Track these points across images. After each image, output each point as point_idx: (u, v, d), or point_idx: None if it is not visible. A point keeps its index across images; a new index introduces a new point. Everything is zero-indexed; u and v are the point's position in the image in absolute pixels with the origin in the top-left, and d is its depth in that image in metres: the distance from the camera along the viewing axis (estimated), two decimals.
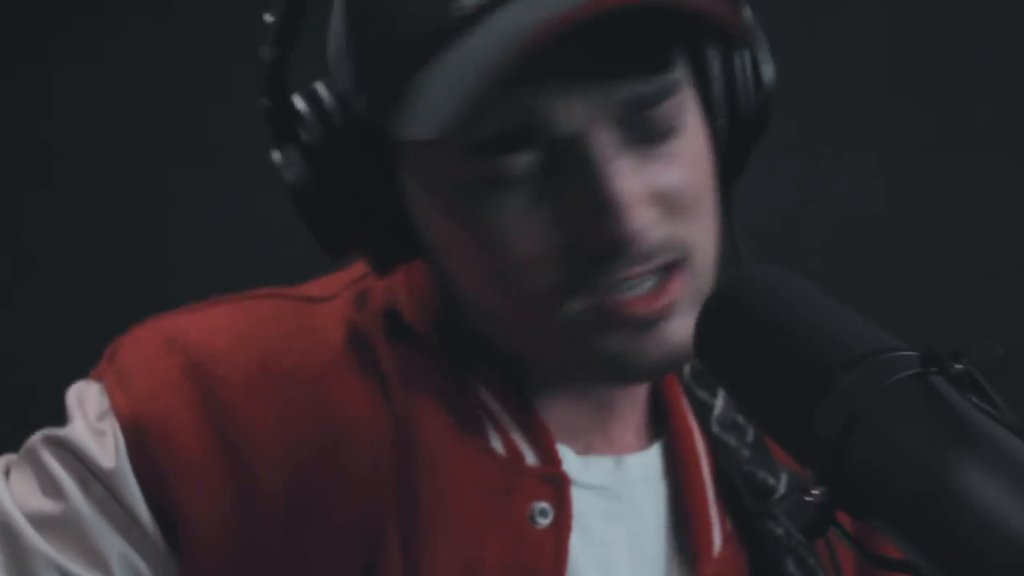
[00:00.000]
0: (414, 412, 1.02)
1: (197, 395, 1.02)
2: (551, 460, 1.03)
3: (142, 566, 1.00)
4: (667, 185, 0.94)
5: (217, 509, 1.00)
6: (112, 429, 1.02)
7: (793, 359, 0.79)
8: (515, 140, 0.92)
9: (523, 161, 0.93)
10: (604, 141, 0.92)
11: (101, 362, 1.06)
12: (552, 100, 0.91)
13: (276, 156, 0.99)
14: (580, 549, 1.02)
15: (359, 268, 1.09)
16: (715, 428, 1.10)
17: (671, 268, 0.95)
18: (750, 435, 1.11)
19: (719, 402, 1.12)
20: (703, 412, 1.10)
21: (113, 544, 1.00)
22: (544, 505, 1.01)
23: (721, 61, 0.99)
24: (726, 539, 1.06)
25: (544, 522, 1.01)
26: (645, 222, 0.92)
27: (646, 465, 1.07)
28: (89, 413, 1.03)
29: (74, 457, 1.02)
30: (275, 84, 0.98)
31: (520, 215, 0.93)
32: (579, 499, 1.03)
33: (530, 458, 1.03)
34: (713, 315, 0.85)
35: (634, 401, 1.07)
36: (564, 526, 1.01)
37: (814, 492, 0.73)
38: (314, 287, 1.09)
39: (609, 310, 0.94)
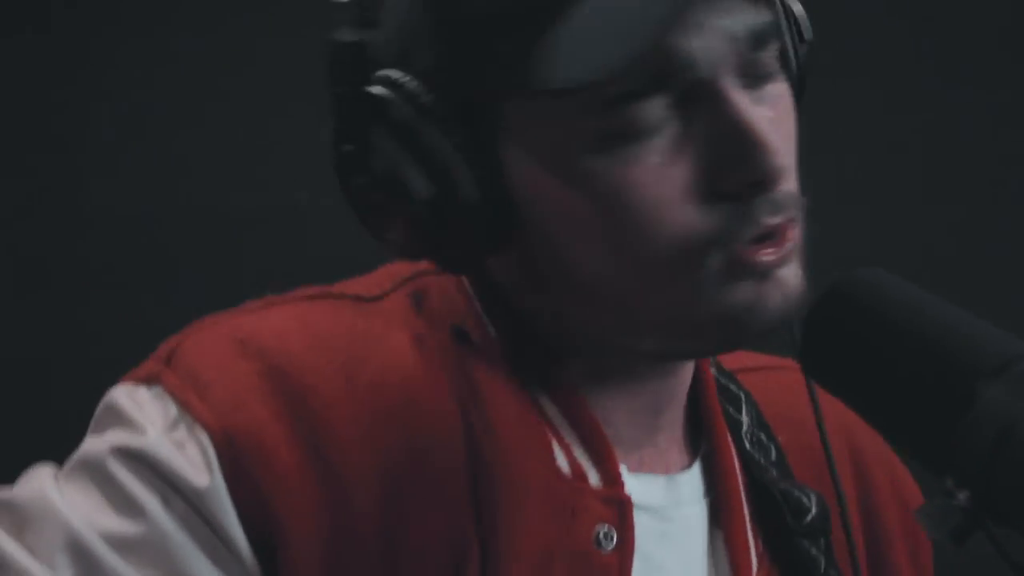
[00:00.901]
0: (487, 428, 0.97)
1: (284, 405, 0.95)
2: (614, 481, 0.99)
3: None
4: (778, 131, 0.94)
5: (317, 533, 0.93)
6: (196, 441, 0.93)
7: (926, 363, 0.80)
8: (653, 85, 0.90)
9: (657, 108, 0.91)
10: (735, 82, 0.92)
11: (151, 364, 0.98)
12: (691, 40, 0.90)
13: (347, 147, 0.94)
14: (639, 574, 0.99)
15: (400, 266, 1.04)
16: (747, 445, 1.08)
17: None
18: (773, 453, 1.09)
19: (745, 418, 1.09)
20: (734, 428, 1.08)
21: (202, 568, 0.92)
22: (607, 528, 0.98)
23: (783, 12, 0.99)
24: (760, 560, 1.04)
25: (608, 547, 0.98)
26: (789, 161, 0.93)
27: (693, 484, 1.04)
28: (156, 422, 0.95)
29: (154, 473, 0.93)
30: (353, 68, 0.95)
31: (659, 164, 0.91)
32: (636, 521, 1.00)
33: (593, 478, 0.99)
34: (829, 312, 0.86)
35: (679, 409, 1.04)
36: (627, 551, 0.98)
37: (960, 496, 0.75)
38: (355, 285, 1.03)
39: (739, 259, 0.92)
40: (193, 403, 0.94)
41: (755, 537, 1.04)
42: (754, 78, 0.93)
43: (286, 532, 0.92)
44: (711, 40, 0.91)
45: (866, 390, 0.84)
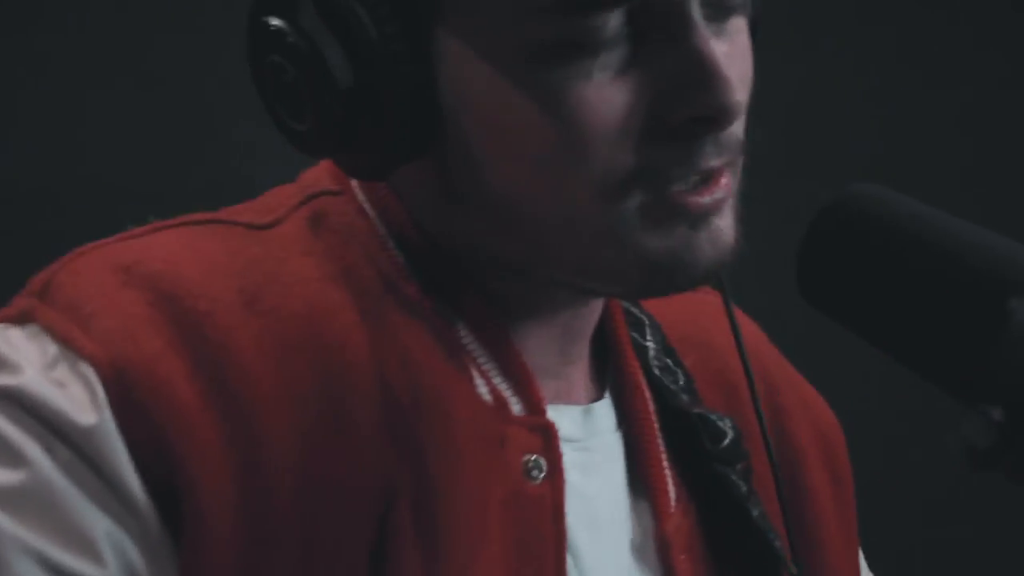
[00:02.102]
0: (402, 359, 0.89)
1: (178, 335, 0.85)
2: (536, 408, 0.93)
3: (130, 549, 0.82)
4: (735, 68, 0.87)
5: (225, 476, 0.83)
6: (80, 378, 0.83)
7: (949, 280, 0.74)
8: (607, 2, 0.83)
9: (614, 20, 0.83)
10: (698, 8, 0.85)
11: (21, 301, 0.88)
12: None
13: (266, 18, 0.86)
14: (569, 506, 0.93)
15: (290, 189, 0.96)
16: (656, 371, 1.02)
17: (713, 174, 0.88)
18: (681, 378, 1.03)
19: (651, 343, 1.03)
20: (640, 354, 1.02)
21: (96, 520, 0.82)
22: (535, 458, 0.91)
23: None
24: (678, 489, 0.99)
25: (539, 477, 0.91)
26: (742, 97, 0.86)
27: (607, 414, 0.98)
28: (33, 362, 0.84)
29: (32, 415, 0.83)
30: None
31: (604, 83, 0.84)
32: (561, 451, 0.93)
33: (515, 406, 0.92)
34: (833, 226, 0.80)
35: (589, 338, 0.98)
36: (558, 481, 0.92)
37: (995, 415, 0.71)
38: (244, 211, 0.95)
39: (666, 202, 0.86)
40: (75, 336, 0.84)
41: (671, 466, 0.99)
42: (718, 8, 0.86)
43: (189, 476, 0.83)
44: None
45: (877, 312, 0.78)
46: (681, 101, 0.84)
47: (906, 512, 2.34)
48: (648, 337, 1.03)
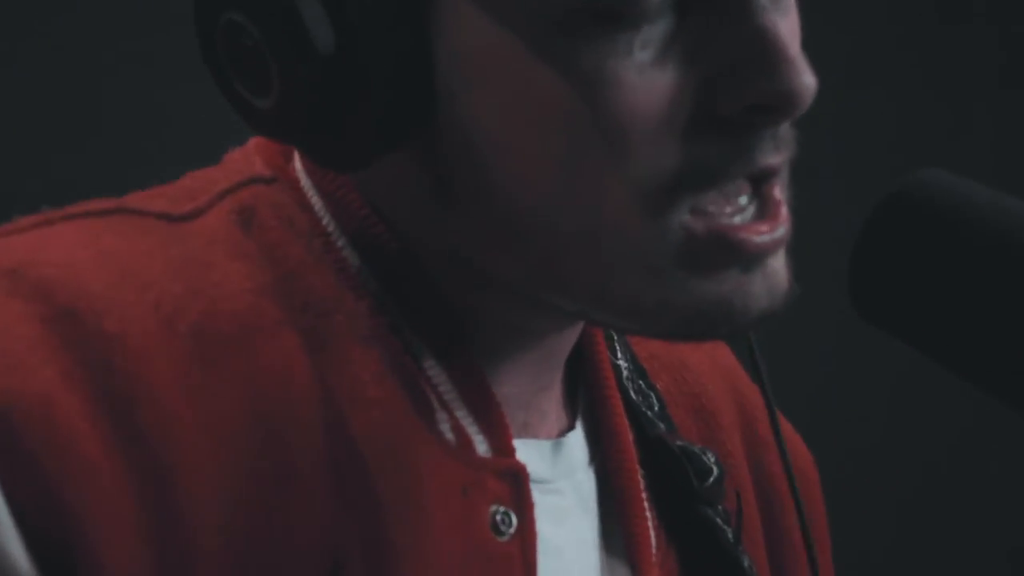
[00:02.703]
0: (353, 385, 0.73)
1: (79, 363, 0.67)
2: (505, 448, 0.77)
3: None
4: None
5: (135, 546, 0.66)
6: None
7: None
8: None
9: None
10: None
11: None
12: None
13: None
14: (539, 563, 0.78)
15: (212, 173, 0.79)
16: (632, 395, 0.87)
17: (768, 178, 0.72)
18: (655, 402, 0.89)
19: (623, 362, 0.88)
20: (615, 376, 0.87)
21: None
22: (504, 510, 0.76)
23: None
24: (657, 534, 0.85)
25: (508, 531, 0.76)
26: (812, 81, 0.69)
27: (579, 447, 0.83)
28: None
29: None
30: None
31: (646, 63, 0.68)
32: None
33: (480, 445, 0.76)
34: (897, 226, 0.66)
35: (563, 362, 0.82)
36: (529, 537, 0.77)
37: None
38: (157, 199, 0.77)
39: (725, 237, 0.70)
40: None
41: (651, 506, 0.84)
42: None
43: (90, 545, 0.65)
44: None
45: (954, 324, 0.64)
46: (739, 85, 0.68)
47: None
48: (620, 355, 0.88)
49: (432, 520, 0.73)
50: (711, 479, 0.86)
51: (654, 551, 0.83)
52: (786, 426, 0.95)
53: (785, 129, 0.71)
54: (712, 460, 0.86)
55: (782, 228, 0.71)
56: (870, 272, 0.68)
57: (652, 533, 0.84)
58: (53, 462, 0.65)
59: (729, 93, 0.69)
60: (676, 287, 0.71)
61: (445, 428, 0.75)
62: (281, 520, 0.69)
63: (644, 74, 0.68)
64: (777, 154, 0.71)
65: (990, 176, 0.71)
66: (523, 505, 0.76)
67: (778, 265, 0.72)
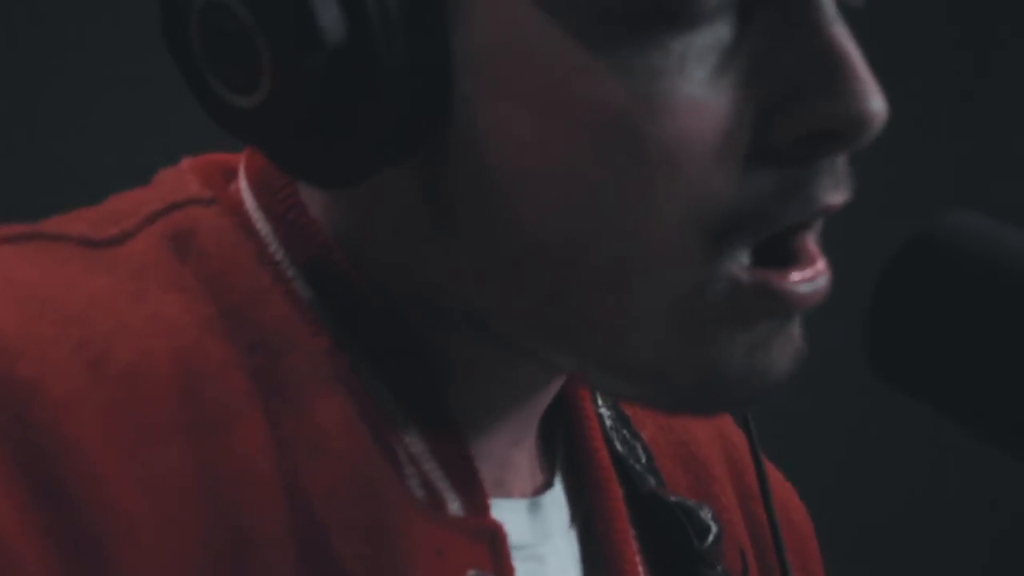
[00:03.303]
0: (314, 438, 0.63)
1: None
2: (480, 507, 0.67)
3: None
4: None
5: None
6: None
7: None
8: None
9: None
10: None
11: None
12: None
13: None
14: None
15: (144, 195, 0.69)
16: (618, 446, 0.79)
17: (804, 227, 0.63)
18: (642, 454, 0.80)
19: (605, 409, 0.80)
20: (599, 424, 0.79)
21: None
22: (481, 575, 0.67)
23: None
24: None
25: None
26: (884, 107, 0.60)
27: (559, 506, 0.74)
28: None
29: None
30: None
31: (702, 79, 0.59)
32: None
33: (453, 503, 0.67)
34: (921, 274, 0.57)
35: (541, 415, 0.73)
36: None
37: None
38: (77, 222, 0.67)
39: (766, 282, 0.61)
40: None
41: (645, 570, 0.76)
42: None
43: None
44: None
45: (980, 382, 0.56)
46: (804, 107, 0.59)
47: None
48: (601, 401, 0.79)
49: None
50: (711, 538, 0.78)
51: None
52: (776, 476, 0.88)
53: (843, 164, 0.62)
54: (709, 516, 0.79)
55: (822, 281, 0.63)
56: (891, 329, 0.59)
57: None
58: None
59: (792, 115, 0.60)
60: (707, 343, 0.62)
61: (414, 484, 0.66)
62: None
63: (698, 92, 0.59)
64: (837, 193, 0.62)
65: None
66: (503, 570, 0.67)
67: (796, 330, 0.64)
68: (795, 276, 0.62)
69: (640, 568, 0.75)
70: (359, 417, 0.64)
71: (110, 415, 0.59)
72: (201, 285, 0.65)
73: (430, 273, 0.65)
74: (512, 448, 0.72)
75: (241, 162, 0.70)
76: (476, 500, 0.67)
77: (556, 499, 0.74)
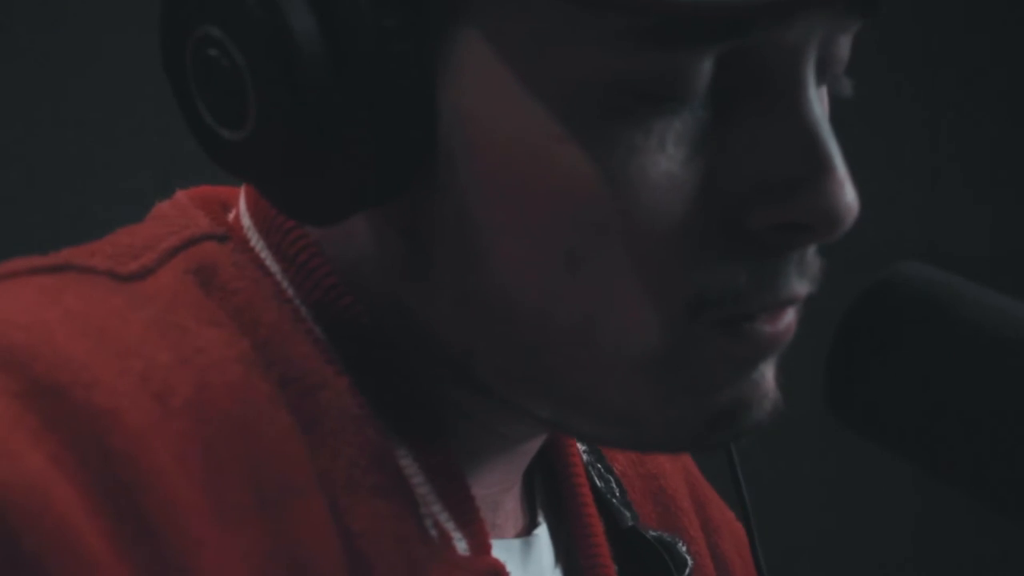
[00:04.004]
0: (349, 474, 0.64)
1: (66, 444, 0.57)
2: (483, 547, 0.69)
3: None
4: None
5: None
6: None
7: None
8: (717, 32, 0.58)
9: (704, 67, 0.59)
10: (812, 65, 0.60)
11: None
12: None
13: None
14: None
15: (157, 229, 0.69)
16: (597, 481, 0.81)
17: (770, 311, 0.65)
18: (615, 488, 0.83)
19: (580, 446, 0.82)
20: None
21: None
22: None
23: None
24: None
25: None
26: (856, 203, 0.61)
27: (547, 547, 0.76)
28: None
29: None
30: None
31: (677, 158, 0.60)
32: None
33: (460, 543, 0.68)
34: (878, 320, 0.60)
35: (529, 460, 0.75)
36: None
37: None
38: (96, 256, 0.66)
39: (735, 323, 0.62)
40: None
41: None
42: (826, 65, 0.63)
43: None
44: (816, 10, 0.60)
45: (941, 429, 0.59)
46: (778, 198, 0.60)
47: None
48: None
49: None
50: (687, 571, 0.79)
51: None
52: (729, 514, 0.90)
53: (812, 256, 0.64)
54: (684, 550, 0.81)
55: (790, 318, 0.64)
56: (849, 375, 0.62)
57: None
58: (56, 558, 0.55)
59: (768, 205, 0.60)
60: (678, 390, 0.63)
61: (428, 524, 0.67)
62: None
63: (674, 172, 0.60)
64: (803, 284, 0.63)
65: None
66: None
67: (770, 373, 0.65)
68: (761, 317, 0.63)
69: None
70: (381, 455, 0.65)
71: (180, 446, 0.59)
72: (231, 319, 0.65)
73: (419, 315, 0.66)
74: (503, 493, 0.73)
75: (240, 197, 0.71)
76: (479, 540, 0.69)
77: (543, 539, 0.76)
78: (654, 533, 0.81)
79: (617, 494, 0.82)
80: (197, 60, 0.61)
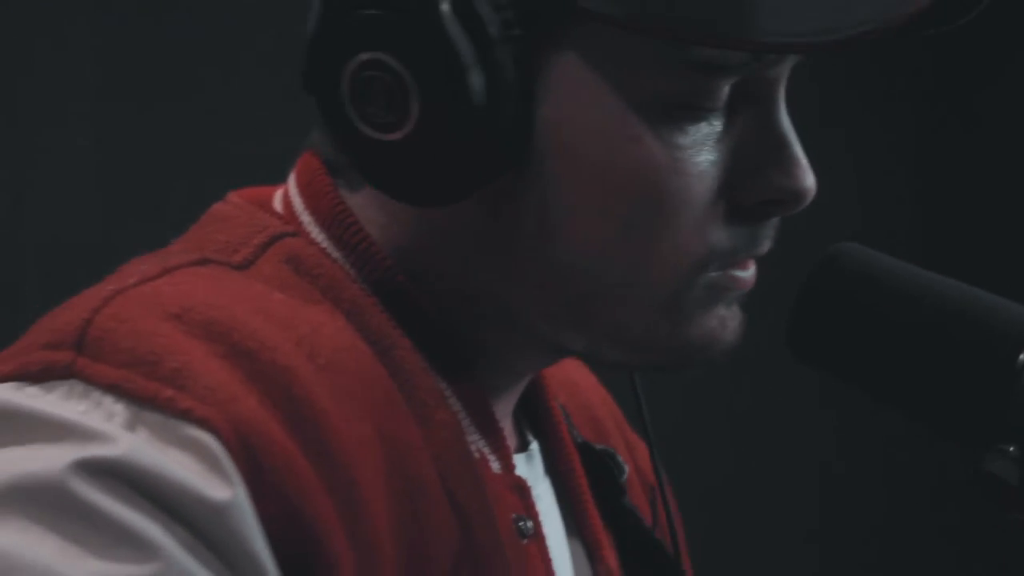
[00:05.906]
0: (429, 415, 0.83)
1: (267, 394, 0.74)
2: (509, 465, 0.89)
3: None
4: None
5: (351, 558, 0.74)
6: (191, 445, 0.72)
7: (957, 334, 0.81)
8: (738, 64, 0.81)
9: (725, 90, 0.82)
10: (783, 86, 0.85)
11: (42, 352, 0.74)
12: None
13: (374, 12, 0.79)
14: None
15: (239, 229, 0.86)
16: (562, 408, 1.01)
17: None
18: (565, 414, 1.02)
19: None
20: None
21: None
22: (523, 517, 0.88)
23: None
24: (602, 532, 0.98)
25: (527, 535, 0.88)
26: (815, 183, 0.85)
27: (540, 460, 0.96)
28: (115, 428, 0.72)
29: (138, 492, 0.70)
30: None
31: (703, 153, 0.82)
32: None
33: (494, 464, 0.88)
34: (829, 283, 0.85)
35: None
36: (542, 540, 0.89)
37: (1012, 452, 0.79)
38: (207, 249, 0.84)
39: (726, 282, 0.85)
40: (170, 396, 0.72)
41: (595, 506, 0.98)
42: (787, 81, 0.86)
43: (330, 556, 0.73)
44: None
45: (879, 366, 0.84)
46: (763, 182, 0.83)
47: None
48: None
49: (499, 529, 0.84)
50: (624, 476, 0.99)
51: (603, 545, 0.96)
52: (591, 379, 1.09)
53: (776, 223, 0.87)
54: (620, 459, 1.00)
55: (753, 269, 0.87)
56: (808, 321, 0.86)
57: (601, 527, 0.96)
58: (289, 483, 0.73)
59: (754, 187, 0.83)
60: (694, 325, 0.85)
61: (473, 448, 0.86)
62: (421, 528, 0.79)
63: (701, 162, 0.82)
64: (769, 243, 0.87)
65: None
66: (532, 512, 0.88)
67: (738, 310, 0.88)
68: (740, 268, 0.86)
69: (592, 504, 0.97)
70: (442, 398, 0.84)
71: (335, 393, 0.77)
72: (324, 297, 0.83)
73: (480, 283, 0.85)
74: (505, 419, 0.92)
75: (294, 197, 0.88)
76: (507, 461, 0.88)
77: (536, 454, 0.95)
78: (600, 447, 1.01)
79: (568, 418, 1.01)
80: (355, 80, 0.79)
